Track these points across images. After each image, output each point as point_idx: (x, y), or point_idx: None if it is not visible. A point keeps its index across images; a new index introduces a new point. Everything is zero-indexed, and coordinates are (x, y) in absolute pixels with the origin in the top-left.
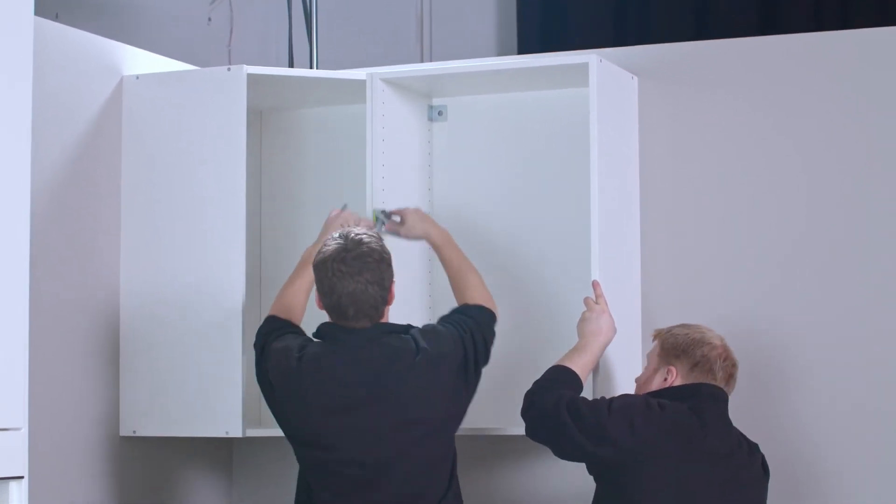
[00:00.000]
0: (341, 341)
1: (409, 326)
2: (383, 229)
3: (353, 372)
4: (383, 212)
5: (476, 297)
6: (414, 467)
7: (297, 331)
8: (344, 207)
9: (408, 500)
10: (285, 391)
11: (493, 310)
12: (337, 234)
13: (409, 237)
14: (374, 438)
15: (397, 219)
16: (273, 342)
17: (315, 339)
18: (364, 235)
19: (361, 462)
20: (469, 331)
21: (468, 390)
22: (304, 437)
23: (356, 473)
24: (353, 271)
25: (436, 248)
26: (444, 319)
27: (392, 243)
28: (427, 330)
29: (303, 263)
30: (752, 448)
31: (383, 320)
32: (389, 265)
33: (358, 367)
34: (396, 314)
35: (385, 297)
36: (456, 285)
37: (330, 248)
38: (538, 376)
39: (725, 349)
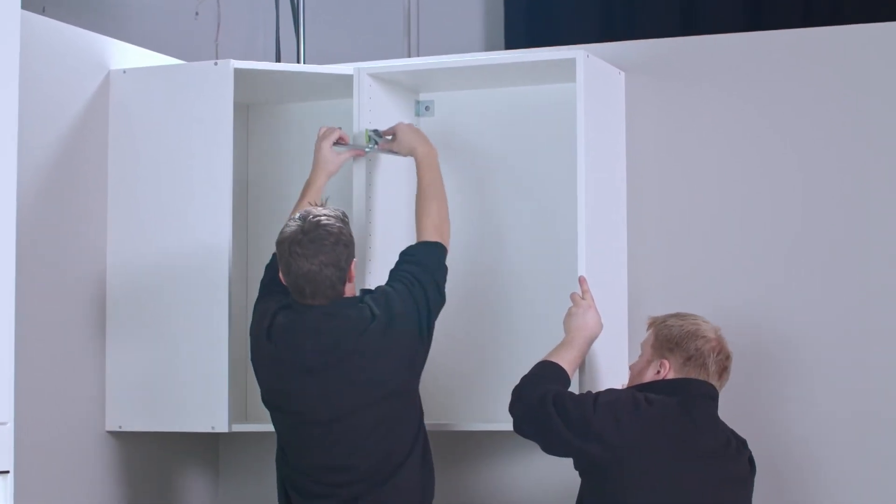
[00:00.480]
0: (304, 313)
1: (364, 294)
2: (376, 148)
3: (313, 342)
4: (375, 131)
5: (426, 231)
6: (375, 425)
7: (281, 289)
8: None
9: (371, 457)
10: (257, 355)
11: (443, 241)
12: (297, 216)
13: (400, 154)
14: (334, 400)
15: (390, 137)
16: (260, 300)
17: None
18: (322, 217)
19: (324, 422)
20: (417, 282)
21: (423, 345)
22: (273, 400)
23: (319, 433)
24: (309, 253)
25: (416, 165)
26: (392, 274)
27: (382, 227)
28: (378, 295)
29: (302, 196)
30: (741, 445)
31: (345, 296)
32: (347, 245)
33: (318, 337)
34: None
35: (342, 277)
36: (416, 210)
37: (289, 229)
38: (522, 372)
39: (720, 342)
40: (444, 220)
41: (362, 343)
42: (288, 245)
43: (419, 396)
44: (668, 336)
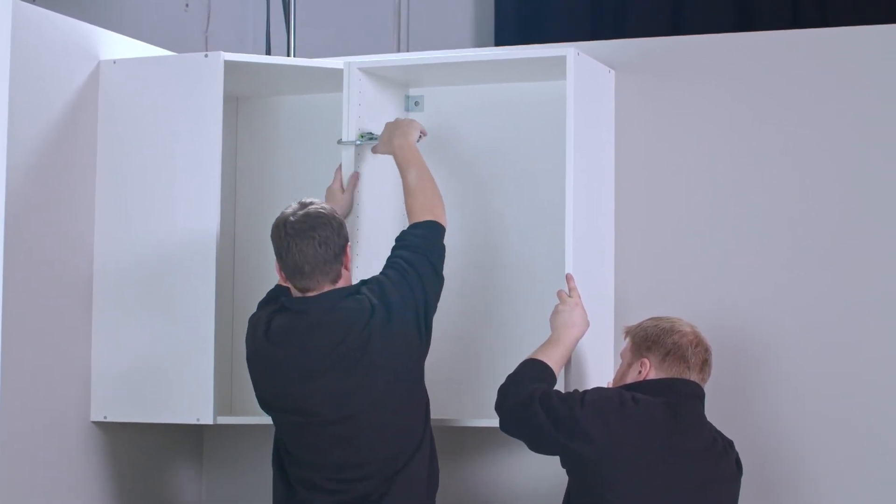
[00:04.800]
0: (302, 312)
1: (361, 284)
2: (371, 150)
3: (315, 339)
4: (370, 133)
5: (415, 213)
6: (384, 420)
7: (276, 295)
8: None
9: (382, 452)
10: (256, 362)
11: (435, 218)
12: (294, 204)
13: (386, 153)
14: (341, 398)
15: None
16: (252, 317)
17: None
18: (314, 204)
19: (333, 421)
20: (410, 266)
21: (423, 332)
22: (278, 403)
23: (329, 432)
24: (305, 227)
25: (395, 161)
26: (387, 262)
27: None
28: (373, 286)
29: None
30: (727, 445)
31: (341, 283)
32: (341, 226)
33: (320, 334)
34: None
35: (339, 254)
36: (405, 203)
37: (282, 215)
38: (512, 369)
39: (696, 335)
40: (434, 197)
41: (364, 337)
42: (282, 225)
43: (424, 385)
44: (645, 336)
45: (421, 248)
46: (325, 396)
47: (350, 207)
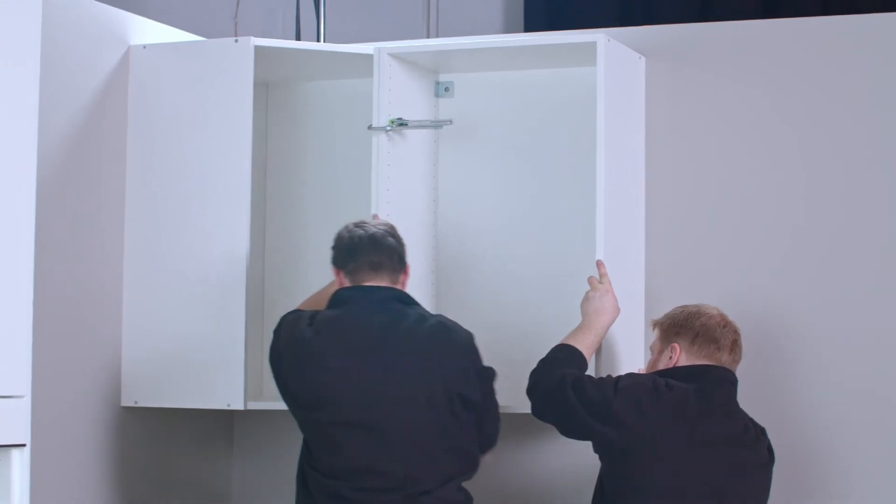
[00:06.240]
0: (353, 302)
1: (429, 312)
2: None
3: (361, 332)
4: (399, 119)
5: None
6: (416, 430)
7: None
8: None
9: (405, 464)
10: (294, 354)
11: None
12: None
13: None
14: (374, 395)
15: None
16: (287, 316)
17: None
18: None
19: (360, 423)
20: (487, 373)
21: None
22: (307, 399)
23: (356, 433)
24: (370, 228)
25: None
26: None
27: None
28: (449, 320)
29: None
30: (759, 432)
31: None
32: (401, 241)
33: (367, 327)
34: None
35: (402, 254)
36: None
37: (346, 227)
38: (543, 354)
39: (723, 317)
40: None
41: (413, 337)
42: (347, 233)
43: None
44: (673, 322)
45: (491, 394)
46: (357, 392)
47: None
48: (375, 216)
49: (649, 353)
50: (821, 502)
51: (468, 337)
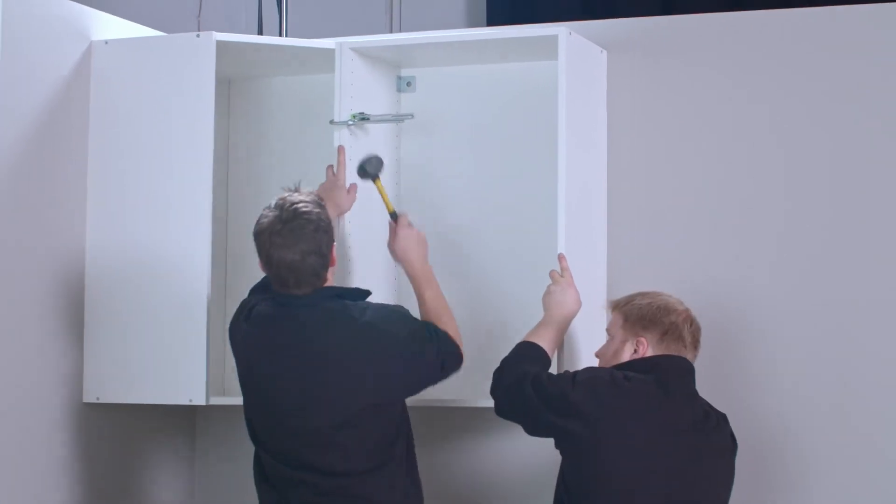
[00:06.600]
0: (284, 305)
1: (360, 292)
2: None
3: (289, 325)
4: (361, 114)
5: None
6: (337, 425)
7: (268, 283)
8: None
9: (335, 455)
10: (233, 340)
11: (461, 356)
12: (273, 203)
13: (392, 255)
14: (300, 388)
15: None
16: (248, 296)
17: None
18: (300, 204)
19: (289, 410)
20: (432, 337)
21: (408, 375)
22: (245, 381)
23: (287, 421)
24: (290, 243)
25: (411, 278)
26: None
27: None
28: (382, 307)
29: None
30: (721, 419)
31: (326, 284)
32: (326, 231)
33: (294, 330)
34: None
35: (325, 263)
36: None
37: (266, 219)
38: (505, 349)
39: (688, 314)
40: (457, 334)
41: (337, 339)
42: (268, 236)
43: (401, 414)
44: (640, 314)
45: (446, 352)
46: (285, 380)
47: (351, 205)
48: (340, 148)
49: (607, 341)
50: (782, 488)
51: (397, 330)
